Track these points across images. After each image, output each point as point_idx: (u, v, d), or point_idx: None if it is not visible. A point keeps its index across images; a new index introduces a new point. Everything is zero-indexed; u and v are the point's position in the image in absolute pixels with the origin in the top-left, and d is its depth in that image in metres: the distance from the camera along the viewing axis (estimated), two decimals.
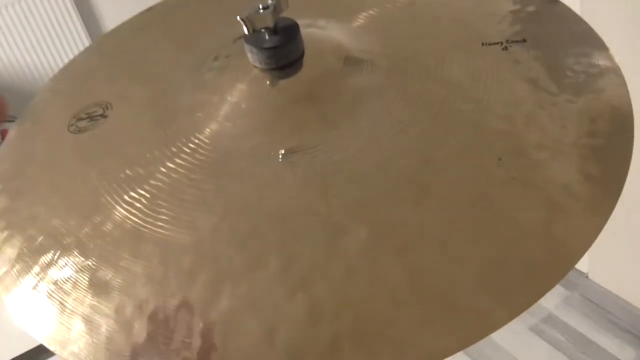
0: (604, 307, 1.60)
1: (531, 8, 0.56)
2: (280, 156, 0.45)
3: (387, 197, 0.41)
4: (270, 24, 0.48)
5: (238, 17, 0.46)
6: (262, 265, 0.40)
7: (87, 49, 0.67)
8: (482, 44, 0.52)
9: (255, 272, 0.39)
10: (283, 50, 0.49)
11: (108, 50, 0.67)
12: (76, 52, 2.22)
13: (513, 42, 0.52)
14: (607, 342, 1.54)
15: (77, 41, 2.22)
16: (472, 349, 1.56)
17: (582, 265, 1.64)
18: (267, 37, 0.49)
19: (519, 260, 0.38)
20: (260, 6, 0.48)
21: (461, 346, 0.35)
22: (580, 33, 0.53)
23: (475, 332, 0.35)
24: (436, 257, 0.39)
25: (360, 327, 0.36)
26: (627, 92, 0.47)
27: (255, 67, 0.50)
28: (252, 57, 0.49)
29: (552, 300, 1.65)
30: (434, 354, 0.35)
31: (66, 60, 2.27)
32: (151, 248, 0.42)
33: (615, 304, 1.58)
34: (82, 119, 0.54)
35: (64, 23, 2.17)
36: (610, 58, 0.50)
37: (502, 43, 0.52)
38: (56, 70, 2.15)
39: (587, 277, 1.64)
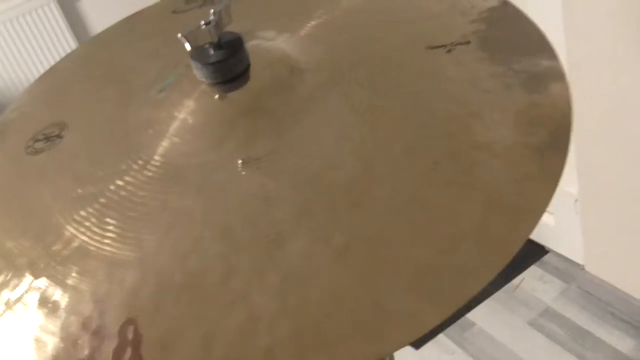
0: (601, 299, 1.60)
1: (483, 11, 0.57)
2: (239, 166, 0.46)
3: (327, 204, 0.42)
4: (214, 38, 0.49)
5: (179, 35, 0.47)
6: (202, 279, 0.40)
7: (59, 62, 0.68)
8: (427, 48, 0.52)
9: (195, 286, 0.40)
10: (228, 63, 0.49)
11: (79, 63, 0.69)
12: None
13: (457, 44, 0.52)
14: (605, 333, 1.54)
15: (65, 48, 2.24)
16: (471, 347, 1.57)
17: (578, 257, 1.64)
18: (211, 52, 0.50)
19: (454, 261, 0.38)
20: (203, 22, 0.48)
21: (392, 349, 0.35)
22: (528, 34, 0.54)
23: (406, 334, 0.36)
24: (373, 261, 0.39)
25: (296, 335, 0.37)
26: (568, 93, 0.48)
27: (203, 82, 0.51)
28: (198, 72, 0.50)
29: (550, 294, 1.65)
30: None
31: None
32: (97, 265, 0.43)
33: (613, 294, 1.58)
34: (39, 140, 0.55)
35: (55, 36, 2.19)
36: (554, 58, 0.51)
37: (446, 46, 0.52)
38: None
39: (583, 269, 1.64)
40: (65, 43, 2.22)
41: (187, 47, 0.48)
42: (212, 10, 0.49)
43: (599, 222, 1.51)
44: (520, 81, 0.49)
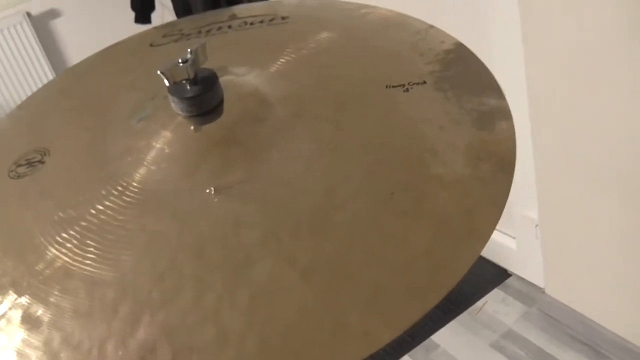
0: (561, 321, 1.66)
1: (440, 53, 0.62)
2: (212, 194, 0.50)
3: (292, 228, 0.46)
4: (190, 75, 0.53)
5: (158, 72, 0.51)
6: (177, 297, 0.44)
7: (35, 94, 0.71)
8: (387, 87, 0.57)
9: (170, 303, 0.44)
10: (203, 98, 0.53)
11: (55, 94, 0.72)
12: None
13: (414, 84, 0.57)
14: (565, 355, 1.59)
15: (42, 78, 2.25)
16: None
17: (539, 280, 1.69)
18: (188, 87, 0.54)
19: (404, 283, 0.43)
20: (180, 60, 0.53)
21: None
22: (478, 76, 0.59)
23: (362, 350, 0.40)
24: (334, 283, 0.43)
25: (262, 350, 0.41)
26: (513, 130, 0.53)
27: (180, 114, 0.55)
28: (175, 106, 0.54)
29: (511, 316, 1.70)
30: None
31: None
32: (78, 284, 0.46)
33: (572, 317, 1.64)
34: (22, 165, 0.58)
35: (29, 60, 2.20)
36: (502, 98, 0.56)
37: (404, 85, 0.57)
38: None
39: (544, 292, 1.70)
40: (36, 62, 2.24)
41: (166, 82, 0.52)
42: (189, 50, 0.53)
43: (559, 246, 1.57)
44: (470, 119, 0.54)
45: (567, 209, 1.45)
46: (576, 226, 1.47)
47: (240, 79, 0.59)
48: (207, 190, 0.50)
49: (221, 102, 0.55)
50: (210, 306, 0.43)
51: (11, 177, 0.57)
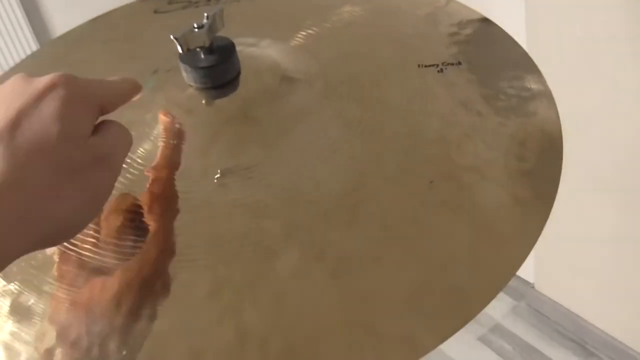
0: (550, 317, 1.64)
1: (467, 30, 0.57)
2: (216, 177, 0.45)
3: (319, 219, 0.41)
4: (206, 43, 0.48)
5: (171, 37, 0.46)
6: (191, 290, 0.39)
7: (22, 62, 0.65)
8: (419, 66, 0.52)
9: (183, 298, 0.39)
10: (218, 69, 0.48)
11: (46, 63, 0.66)
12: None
13: (449, 64, 0.52)
14: (553, 351, 1.58)
15: (25, 49, 2.16)
16: None
17: (529, 275, 1.67)
18: (202, 56, 0.48)
19: (447, 285, 0.38)
20: (195, 25, 0.47)
21: None
22: (513, 55, 0.54)
23: (400, 359, 0.35)
24: (366, 281, 0.39)
25: (288, 354, 0.36)
26: (557, 116, 0.48)
27: (191, 86, 0.49)
28: (186, 76, 0.49)
29: (499, 310, 1.68)
30: None
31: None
32: (76, 272, 0.41)
33: (561, 313, 1.62)
34: None
35: (10, 26, 2.11)
36: (542, 81, 0.51)
37: (437, 65, 0.52)
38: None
39: (533, 287, 1.67)
40: (18, 27, 2.14)
41: (179, 49, 0.46)
42: (205, 14, 0.48)
43: (549, 242, 1.55)
44: (509, 104, 0.49)
45: (559, 206, 1.43)
46: (567, 223, 1.45)
47: (258, 51, 0.53)
48: (217, 173, 0.45)
49: (238, 74, 0.50)
50: (228, 303, 0.38)
51: None
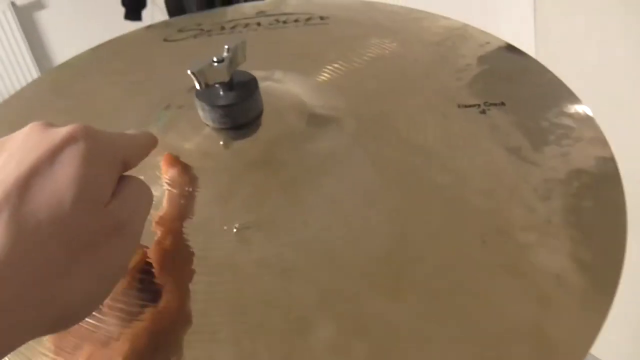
0: None
1: (499, 62, 0.52)
2: (235, 230, 0.39)
3: (358, 286, 0.36)
4: (226, 78, 0.43)
5: (189, 71, 0.41)
6: None
7: (20, 92, 0.60)
8: (459, 106, 0.47)
9: None
10: (239, 108, 0.43)
11: (46, 92, 0.61)
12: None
13: (491, 104, 0.47)
14: None
15: (24, 70, 2.12)
16: None
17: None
18: (221, 92, 0.43)
19: None
20: (215, 59, 0.42)
21: None
22: (551, 88, 0.50)
23: None
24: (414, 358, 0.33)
25: None
26: (615, 162, 0.44)
27: (207, 125, 0.44)
28: (203, 114, 0.44)
29: None
30: None
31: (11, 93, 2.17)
32: (75, 342, 0.35)
33: None
34: None
35: (10, 51, 2.07)
36: (585, 113, 0.47)
37: (479, 106, 0.47)
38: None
39: None
40: (19, 53, 2.10)
41: (197, 85, 0.41)
42: (226, 47, 0.43)
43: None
44: (558, 146, 0.44)
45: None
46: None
47: (280, 86, 0.48)
48: (234, 228, 0.39)
49: (260, 114, 0.45)
50: None
51: None
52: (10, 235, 0.28)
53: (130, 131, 0.38)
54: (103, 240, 0.31)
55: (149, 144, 0.39)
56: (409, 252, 0.37)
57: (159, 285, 0.37)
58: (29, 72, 2.13)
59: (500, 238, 0.38)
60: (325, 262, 0.37)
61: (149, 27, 0.67)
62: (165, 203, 0.41)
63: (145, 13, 2.00)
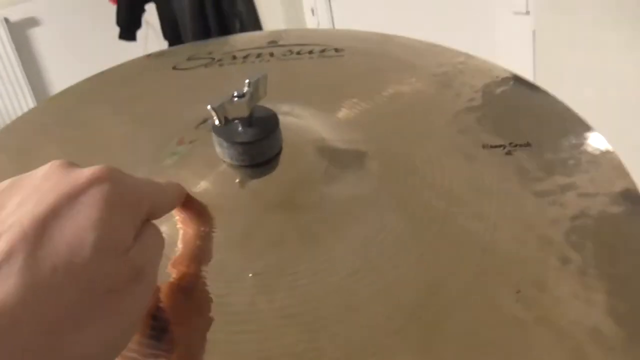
0: None
1: (519, 99, 0.51)
2: (250, 276, 0.37)
3: (388, 341, 0.34)
4: (245, 113, 0.41)
5: (209, 107, 0.39)
6: None
7: (21, 120, 0.58)
8: (483, 147, 0.46)
9: None
10: (259, 146, 0.41)
11: (49, 120, 0.58)
12: (17, 114, 2.10)
13: (516, 145, 0.46)
14: None
15: (22, 105, 2.09)
16: None
17: None
18: (240, 128, 0.41)
19: None
20: (235, 94, 0.40)
21: None
22: (572, 124, 0.49)
23: None
24: None
25: None
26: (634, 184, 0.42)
27: (224, 162, 0.42)
28: (221, 151, 0.42)
29: None
30: None
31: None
32: None
33: None
34: None
35: (2, 67, 2.04)
36: (604, 146, 0.46)
37: (504, 146, 0.46)
38: None
39: None
40: (10, 69, 2.08)
41: (217, 121, 0.39)
42: (247, 81, 0.41)
43: None
44: (590, 190, 0.43)
45: None
46: None
47: (299, 122, 0.46)
48: (250, 274, 0.37)
49: (279, 151, 0.43)
50: None
51: None
52: (24, 280, 0.26)
53: (159, 181, 0.36)
54: (122, 287, 0.29)
55: (177, 196, 0.37)
56: (440, 303, 0.35)
57: (173, 333, 0.35)
58: (20, 88, 2.10)
59: (535, 289, 0.36)
60: (352, 314, 0.35)
61: (158, 53, 0.65)
62: (180, 244, 0.39)
63: (139, 34, 1.99)
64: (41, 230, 0.27)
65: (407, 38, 0.59)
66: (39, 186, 0.30)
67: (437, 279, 0.37)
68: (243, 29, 1.78)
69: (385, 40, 0.60)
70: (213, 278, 0.37)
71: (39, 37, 2.11)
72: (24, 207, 0.28)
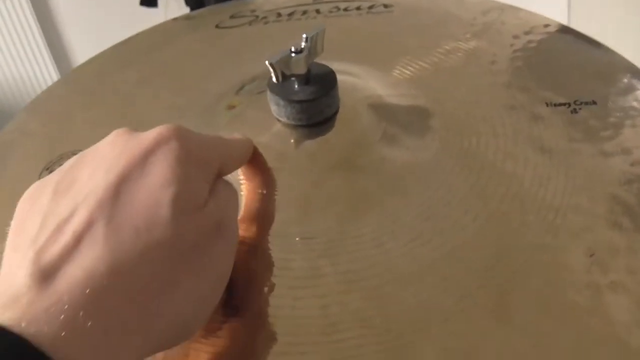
0: None
1: (579, 55, 0.49)
2: (299, 242, 0.36)
3: (456, 306, 0.32)
4: (303, 70, 0.39)
5: (267, 62, 0.37)
6: None
7: (60, 82, 0.57)
8: (547, 105, 0.44)
9: None
10: (317, 104, 0.39)
11: (86, 86, 0.57)
12: (42, 87, 2.10)
13: (582, 103, 0.44)
14: None
15: (45, 76, 2.09)
16: None
17: None
18: (296, 86, 0.40)
19: None
20: (293, 49, 0.39)
21: None
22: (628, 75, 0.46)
23: None
24: None
25: None
26: None
27: (279, 121, 0.41)
28: (277, 110, 0.40)
29: None
30: None
31: (32, 96, 2.14)
32: None
33: None
34: None
35: (24, 37, 2.03)
36: None
37: (569, 104, 0.44)
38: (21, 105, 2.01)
39: None
40: (32, 39, 2.07)
41: (274, 78, 0.38)
42: (305, 36, 0.39)
43: None
44: None
45: None
46: None
47: (355, 80, 0.45)
48: (297, 238, 0.36)
49: (337, 111, 0.41)
50: None
51: None
52: (110, 247, 0.25)
53: (229, 136, 0.35)
54: (205, 241, 0.29)
55: (245, 151, 0.36)
56: (510, 267, 0.34)
57: (237, 298, 0.34)
58: (42, 58, 2.09)
59: (608, 253, 0.35)
60: (418, 278, 0.34)
61: (196, 14, 0.63)
62: (242, 204, 0.38)
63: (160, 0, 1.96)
64: (116, 195, 0.27)
65: None
66: (106, 155, 0.29)
67: (506, 242, 0.35)
68: None
69: None
70: (272, 241, 0.36)
71: (60, 6, 2.09)
72: (96, 177, 0.28)
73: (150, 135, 0.29)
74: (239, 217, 0.37)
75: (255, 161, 0.39)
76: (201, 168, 0.30)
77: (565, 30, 0.52)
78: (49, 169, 0.44)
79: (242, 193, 0.38)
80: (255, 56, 0.50)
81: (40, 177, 0.44)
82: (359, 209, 0.37)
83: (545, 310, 0.32)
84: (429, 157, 0.40)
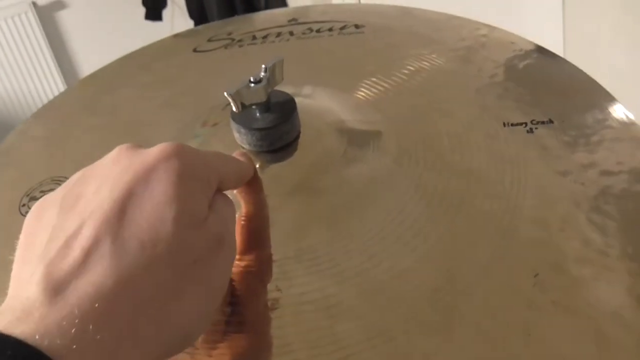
0: None
1: (542, 73, 0.50)
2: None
3: (408, 324, 0.34)
4: (262, 99, 0.41)
5: (225, 94, 0.39)
6: None
7: (50, 105, 0.59)
8: (504, 125, 0.45)
9: None
10: (277, 131, 0.41)
11: (77, 107, 0.59)
12: (48, 97, 2.13)
13: (538, 122, 0.45)
14: None
15: (53, 89, 2.13)
16: None
17: None
18: (258, 114, 0.42)
19: None
20: (252, 79, 0.40)
21: None
22: (598, 98, 0.48)
23: None
24: None
25: None
26: None
27: (243, 148, 0.43)
28: (239, 137, 0.42)
29: None
30: None
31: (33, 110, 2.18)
32: None
33: None
34: (35, 199, 0.46)
35: (32, 51, 2.07)
36: (628, 116, 0.45)
37: (526, 124, 0.45)
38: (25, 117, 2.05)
39: None
40: (40, 53, 2.11)
41: (234, 108, 0.40)
42: (263, 66, 0.41)
43: None
44: (615, 169, 0.42)
45: None
46: None
47: (317, 103, 0.46)
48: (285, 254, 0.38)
49: (298, 136, 0.43)
50: None
51: (23, 214, 0.45)
52: (116, 262, 0.27)
53: (230, 154, 0.38)
54: (206, 255, 0.30)
55: (245, 171, 0.38)
56: (457, 287, 0.36)
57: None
58: (48, 69, 2.13)
59: (553, 272, 0.36)
60: (370, 298, 0.35)
61: (177, 35, 0.65)
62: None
63: (165, 13, 1.99)
64: (121, 212, 0.28)
65: (428, 11, 0.59)
66: (110, 171, 0.30)
67: (455, 261, 0.37)
68: (268, 5, 1.76)
69: (405, 13, 0.59)
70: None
71: (67, 20, 2.13)
72: (101, 192, 0.29)
73: (152, 153, 0.31)
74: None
75: (253, 186, 0.40)
76: (201, 184, 0.32)
77: (532, 47, 0.54)
78: (29, 195, 0.47)
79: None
80: (230, 79, 0.52)
81: (21, 205, 0.46)
82: (315, 229, 0.39)
83: (489, 331, 0.34)
84: (386, 179, 0.41)
